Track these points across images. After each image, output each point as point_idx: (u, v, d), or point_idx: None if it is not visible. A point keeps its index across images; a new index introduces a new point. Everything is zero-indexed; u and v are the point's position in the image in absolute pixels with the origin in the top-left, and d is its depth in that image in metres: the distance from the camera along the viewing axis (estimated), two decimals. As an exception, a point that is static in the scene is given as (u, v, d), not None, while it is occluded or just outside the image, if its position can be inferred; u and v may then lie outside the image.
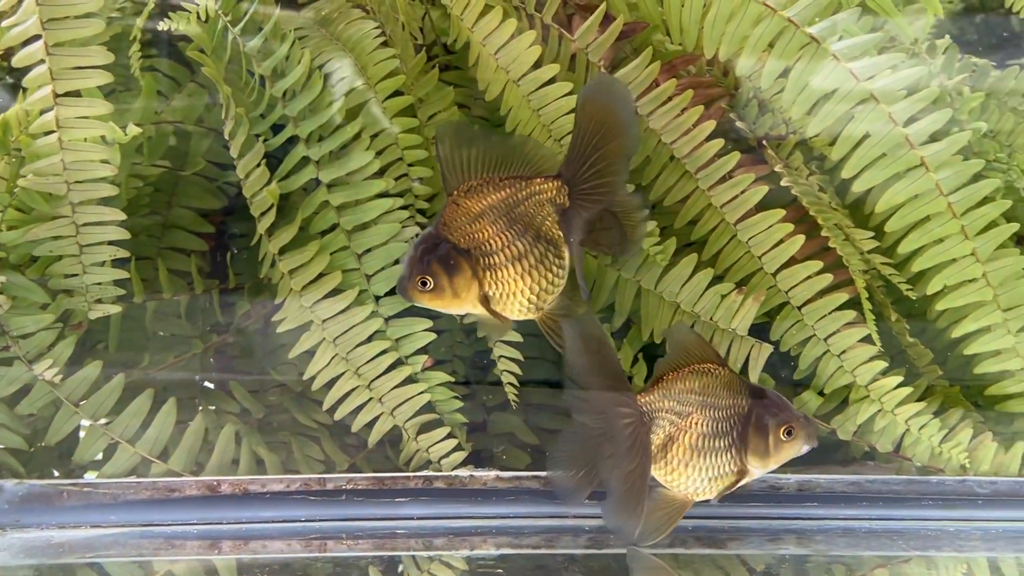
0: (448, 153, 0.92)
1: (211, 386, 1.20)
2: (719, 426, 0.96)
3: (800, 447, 0.97)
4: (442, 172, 0.93)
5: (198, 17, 1.03)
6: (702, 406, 0.96)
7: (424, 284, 0.92)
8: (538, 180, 0.95)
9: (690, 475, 0.96)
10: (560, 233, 0.95)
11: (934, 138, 1.03)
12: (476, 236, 0.93)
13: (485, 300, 0.95)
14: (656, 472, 0.97)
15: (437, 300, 0.94)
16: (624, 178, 0.96)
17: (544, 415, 1.22)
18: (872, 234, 1.08)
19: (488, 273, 0.94)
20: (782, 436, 0.96)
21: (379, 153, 1.03)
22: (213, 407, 1.18)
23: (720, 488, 0.97)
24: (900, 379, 1.04)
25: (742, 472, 0.97)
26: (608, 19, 1.10)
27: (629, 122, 0.95)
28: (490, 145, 0.94)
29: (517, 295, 0.95)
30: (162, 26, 0.99)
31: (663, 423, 0.96)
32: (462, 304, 0.94)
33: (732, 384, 0.97)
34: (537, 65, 1.03)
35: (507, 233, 0.94)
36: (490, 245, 0.93)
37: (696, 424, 0.96)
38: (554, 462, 0.98)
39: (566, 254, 0.96)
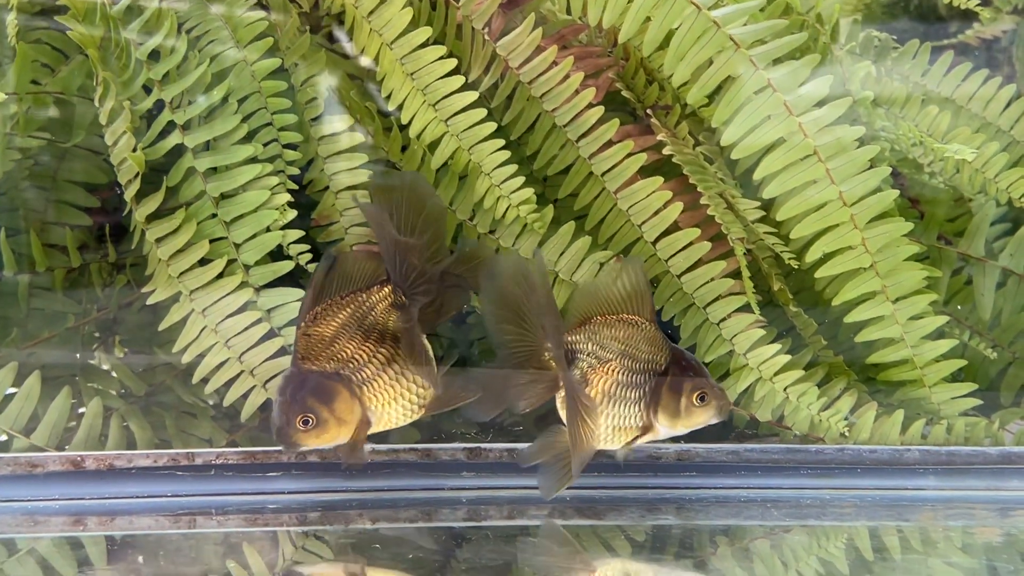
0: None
1: (97, 364, 1.18)
2: (634, 378, 0.97)
3: (711, 415, 0.97)
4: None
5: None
6: (622, 355, 0.97)
7: (307, 423, 0.92)
8: (374, 289, 0.96)
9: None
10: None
11: (818, 106, 1.03)
12: (341, 356, 0.94)
13: (366, 421, 0.95)
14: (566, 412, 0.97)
15: (325, 434, 0.93)
16: (444, 248, 0.99)
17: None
18: (758, 204, 1.07)
19: (365, 388, 0.94)
20: (694, 401, 0.97)
21: (247, 117, 1.00)
22: (95, 385, 1.15)
23: (623, 440, 0.97)
24: (778, 347, 1.03)
25: (647, 428, 0.97)
26: (496, -13, 1.08)
27: (427, 203, 0.98)
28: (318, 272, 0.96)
29: (399, 399, 0.95)
30: (17, -14, 0.96)
31: (582, 364, 0.97)
32: (349, 429, 0.94)
33: (655, 341, 0.98)
34: (411, 28, 1.02)
35: (368, 344, 0.95)
36: (357, 360, 0.94)
37: (612, 371, 0.97)
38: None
39: (427, 347, 0.97)
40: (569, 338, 0.97)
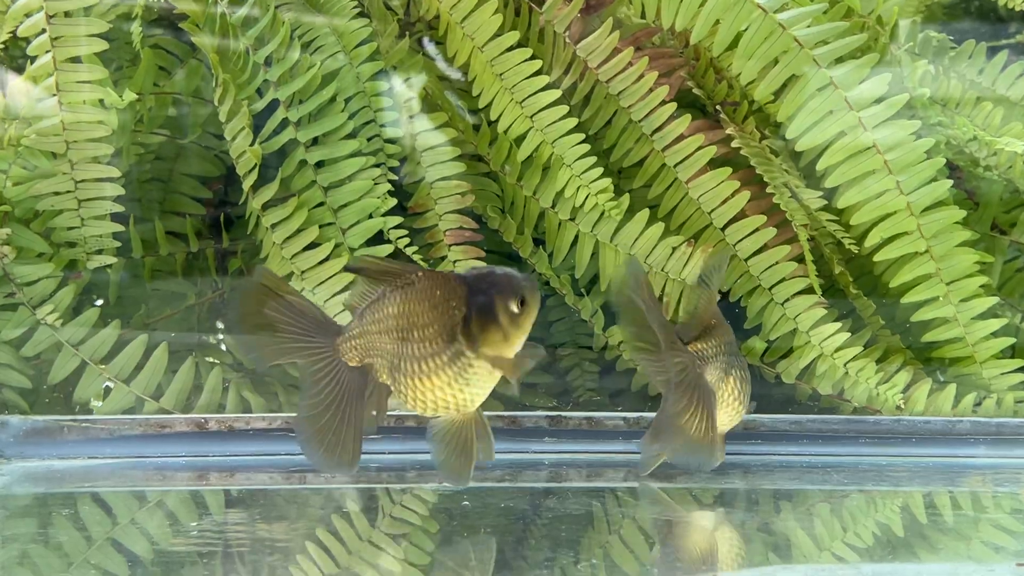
0: None
1: (210, 340, 1.29)
2: (741, 386, 1.04)
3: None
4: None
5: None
6: (729, 363, 1.03)
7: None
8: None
9: (726, 412, 1.04)
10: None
11: (877, 102, 1.10)
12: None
13: None
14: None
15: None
16: None
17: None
18: (820, 193, 1.15)
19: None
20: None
21: (353, 115, 1.11)
22: (209, 359, 1.26)
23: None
24: (838, 326, 1.11)
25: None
26: (577, -6, 1.17)
27: None
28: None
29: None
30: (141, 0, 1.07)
31: (715, 370, 1.02)
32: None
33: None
34: (500, 33, 1.11)
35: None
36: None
37: (732, 373, 1.03)
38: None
39: None
40: (694, 347, 1.01)
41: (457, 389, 0.92)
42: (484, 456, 0.96)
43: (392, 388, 0.93)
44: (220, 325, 1.30)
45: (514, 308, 0.89)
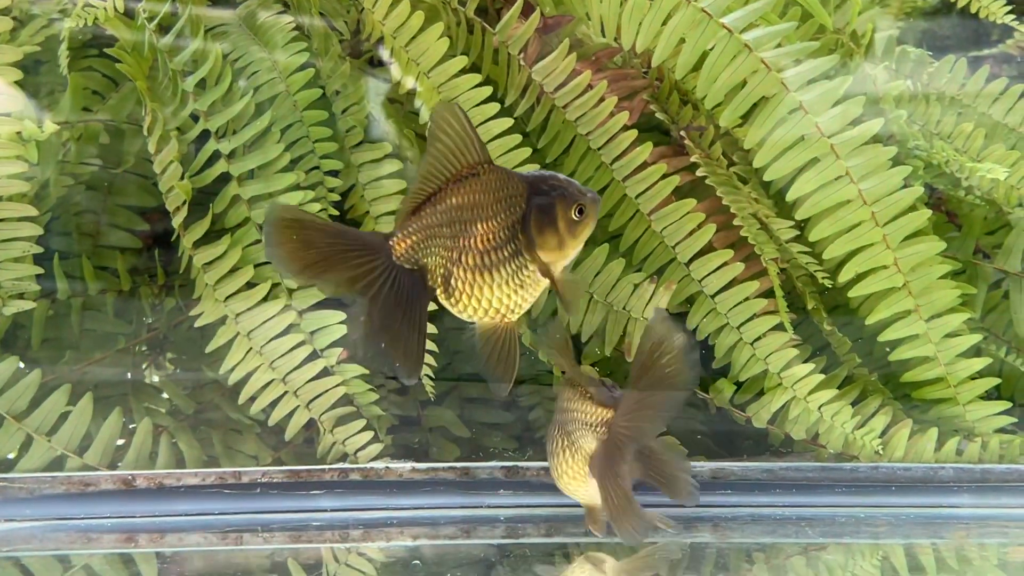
0: None
1: (150, 382, 1.22)
2: None
3: None
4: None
5: (116, 11, 1.04)
6: None
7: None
8: None
9: None
10: None
11: (850, 126, 1.03)
12: None
13: None
14: None
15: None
16: None
17: (479, 409, 1.23)
18: (792, 223, 1.08)
19: None
20: None
21: (290, 146, 1.03)
22: (145, 404, 1.18)
23: None
24: (812, 367, 1.04)
25: None
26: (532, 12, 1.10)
27: None
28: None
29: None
30: (68, 24, 0.99)
31: None
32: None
33: None
34: (449, 56, 1.04)
35: None
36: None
37: None
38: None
39: None
40: None
41: (511, 290, 0.90)
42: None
43: (443, 290, 0.90)
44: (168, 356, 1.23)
45: (574, 215, 0.89)
